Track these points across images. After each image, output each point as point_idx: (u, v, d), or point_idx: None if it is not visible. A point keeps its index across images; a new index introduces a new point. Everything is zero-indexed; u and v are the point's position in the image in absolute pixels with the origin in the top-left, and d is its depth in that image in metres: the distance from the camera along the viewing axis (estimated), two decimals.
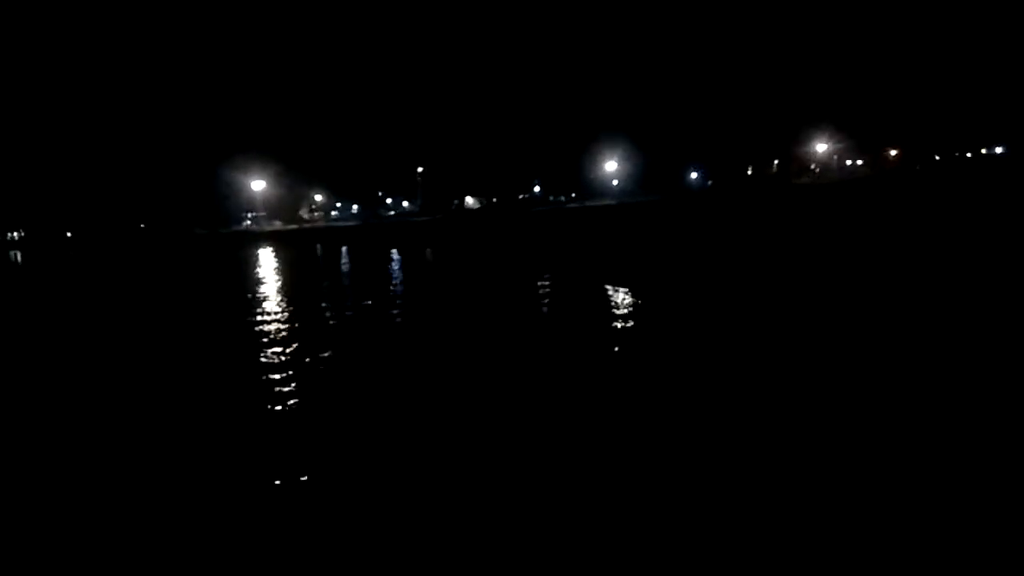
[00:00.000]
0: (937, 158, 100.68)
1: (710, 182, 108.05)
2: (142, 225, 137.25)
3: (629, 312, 14.27)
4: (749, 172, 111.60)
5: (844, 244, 23.26)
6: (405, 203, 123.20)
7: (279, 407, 8.95)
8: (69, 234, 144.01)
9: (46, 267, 57.41)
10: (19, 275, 50.36)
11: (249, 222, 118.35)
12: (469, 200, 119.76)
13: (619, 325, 12.87)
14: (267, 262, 42.43)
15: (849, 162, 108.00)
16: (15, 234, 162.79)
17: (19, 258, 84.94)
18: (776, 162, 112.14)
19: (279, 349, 12.90)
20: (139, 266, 49.45)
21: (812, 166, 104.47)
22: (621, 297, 15.98)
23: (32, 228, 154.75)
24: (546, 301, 17.45)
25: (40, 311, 24.63)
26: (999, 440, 5.88)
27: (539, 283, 20.11)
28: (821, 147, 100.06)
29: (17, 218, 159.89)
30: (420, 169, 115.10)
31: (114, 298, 27.51)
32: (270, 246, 65.12)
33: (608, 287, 17.36)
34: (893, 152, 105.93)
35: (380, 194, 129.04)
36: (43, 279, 43.81)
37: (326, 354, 12.22)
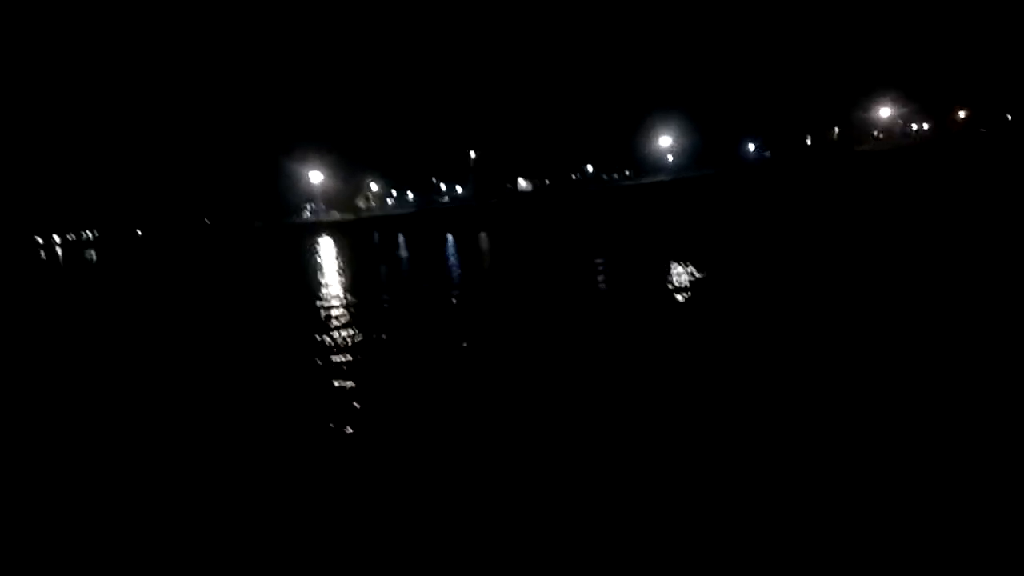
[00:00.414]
0: (1009, 117, 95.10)
1: (767, 153, 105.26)
2: (206, 220, 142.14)
3: (689, 289, 14.10)
4: (808, 141, 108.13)
5: (903, 213, 22.45)
6: (459, 188, 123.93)
7: (339, 382, 9.34)
8: (140, 232, 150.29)
9: (120, 264, 59.97)
10: (96, 271, 52.76)
11: (308, 213, 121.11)
12: (522, 183, 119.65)
13: (679, 302, 12.77)
14: (327, 251, 43.43)
15: (915, 126, 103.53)
16: (89, 234, 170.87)
17: (94, 256, 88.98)
18: (836, 130, 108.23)
19: (344, 333, 13.29)
20: (207, 259, 51.24)
21: (875, 132, 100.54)
22: (680, 274, 15.81)
23: (105, 227, 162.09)
24: (602, 280, 17.39)
25: (120, 305, 25.79)
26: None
27: (596, 262, 20.04)
28: (884, 111, 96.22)
29: (91, 218, 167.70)
30: (473, 154, 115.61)
31: (187, 289, 28.65)
32: (329, 236, 66.52)
33: (670, 263, 17.17)
34: (961, 114, 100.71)
35: (434, 181, 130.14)
36: (119, 275, 45.80)
37: (384, 336, 12.57)
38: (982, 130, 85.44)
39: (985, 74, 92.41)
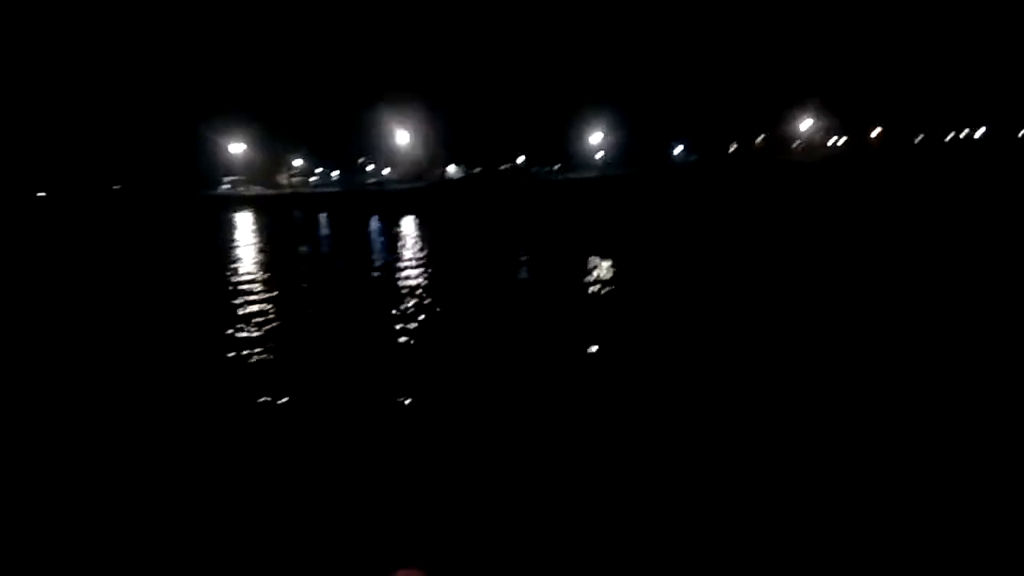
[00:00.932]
0: (917, 140, 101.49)
1: (694, 157, 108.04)
2: (115, 187, 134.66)
3: (609, 280, 14.21)
4: (733, 148, 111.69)
5: (817, 218, 23.42)
6: (386, 170, 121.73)
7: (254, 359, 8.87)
8: (41, 194, 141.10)
9: (13, 229, 56.07)
10: None
11: (228, 186, 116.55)
12: (451, 169, 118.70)
13: (598, 293, 12.82)
14: (245, 227, 41.84)
15: (832, 140, 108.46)
16: None
17: None
18: (761, 138, 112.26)
19: (258, 308, 12.74)
20: (115, 229, 48.50)
21: (796, 143, 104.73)
22: (603, 267, 15.92)
23: (2, 188, 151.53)
24: (525, 268, 17.35)
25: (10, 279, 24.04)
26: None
27: (520, 251, 19.99)
28: (805, 125, 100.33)
29: None
30: (403, 136, 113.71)
31: (95, 261, 26.96)
32: (248, 211, 64.17)
33: (591, 257, 17.28)
34: (875, 132, 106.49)
35: (361, 160, 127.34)
36: (17, 237, 42.80)
37: (301, 318, 12.11)
38: (892, 148, 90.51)
39: (897, 98, 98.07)
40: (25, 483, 5.78)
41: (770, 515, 4.62)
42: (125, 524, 5.00)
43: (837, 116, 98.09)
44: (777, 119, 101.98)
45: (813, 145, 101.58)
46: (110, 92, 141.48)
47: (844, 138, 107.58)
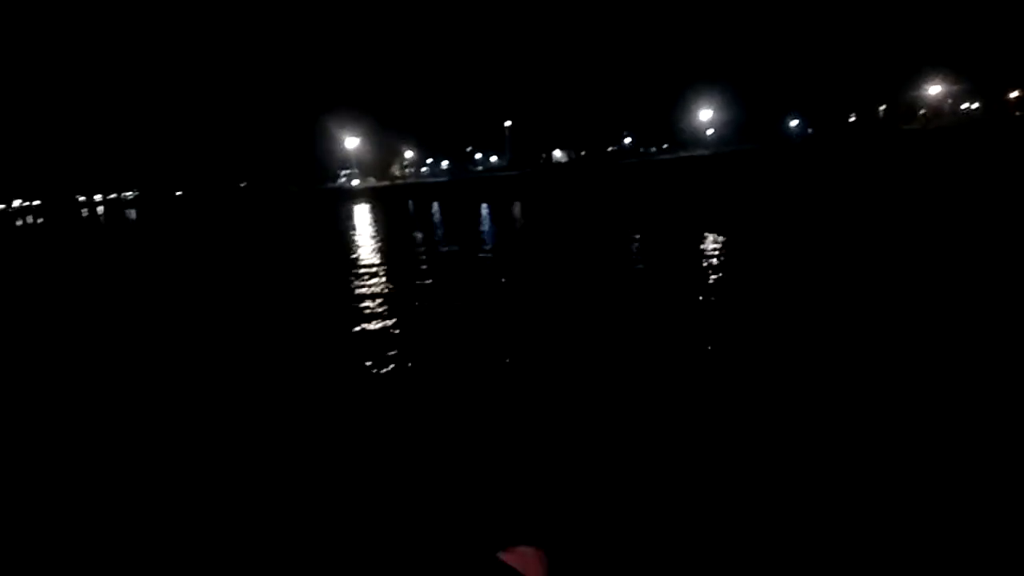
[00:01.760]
0: None
1: (810, 130, 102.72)
2: (242, 184, 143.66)
3: (723, 261, 13.97)
4: (852, 119, 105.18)
5: (947, 191, 21.84)
6: (494, 158, 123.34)
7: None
8: (178, 192, 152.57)
9: (159, 223, 61.05)
10: (136, 230, 53.79)
11: (343, 179, 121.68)
12: (557, 153, 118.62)
13: (712, 276, 12.66)
14: (364, 217, 43.73)
15: (964, 106, 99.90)
16: (129, 194, 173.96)
17: (134, 215, 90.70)
18: (883, 108, 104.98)
19: (377, 300, 13.48)
20: (244, 222, 51.88)
21: (921, 111, 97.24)
22: (718, 247, 15.65)
23: (144, 187, 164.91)
24: (637, 247, 17.29)
25: (159, 264, 26.35)
26: None
27: (632, 232, 19.91)
28: (933, 90, 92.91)
29: (130, 178, 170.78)
30: (508, 123, 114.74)
31: (224, 250, 29.13)
32: (365, 202, 66.87)
33: (707, 235, 17.00)
34: (1013, 94, 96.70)
35: (469, 149, 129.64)
36: (158, 235, 46.65)
37: (417, 303, 12.73)
38: None
39: None
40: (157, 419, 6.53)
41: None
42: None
43: (968, 79, 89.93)
44: (900, 85, 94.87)
45: (942, 112, 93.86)
46: (235, 94, 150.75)
47: (976, 103, 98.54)
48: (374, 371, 8.31)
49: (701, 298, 10.89)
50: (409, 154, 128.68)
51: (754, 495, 4.64)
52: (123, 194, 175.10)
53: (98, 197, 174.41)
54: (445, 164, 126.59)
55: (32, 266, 29.45)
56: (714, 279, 12.38)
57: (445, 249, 20.94)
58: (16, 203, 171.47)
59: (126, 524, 4.85)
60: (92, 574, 4.37)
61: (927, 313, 8.60)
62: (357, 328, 10.78)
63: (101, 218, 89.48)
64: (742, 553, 4.05)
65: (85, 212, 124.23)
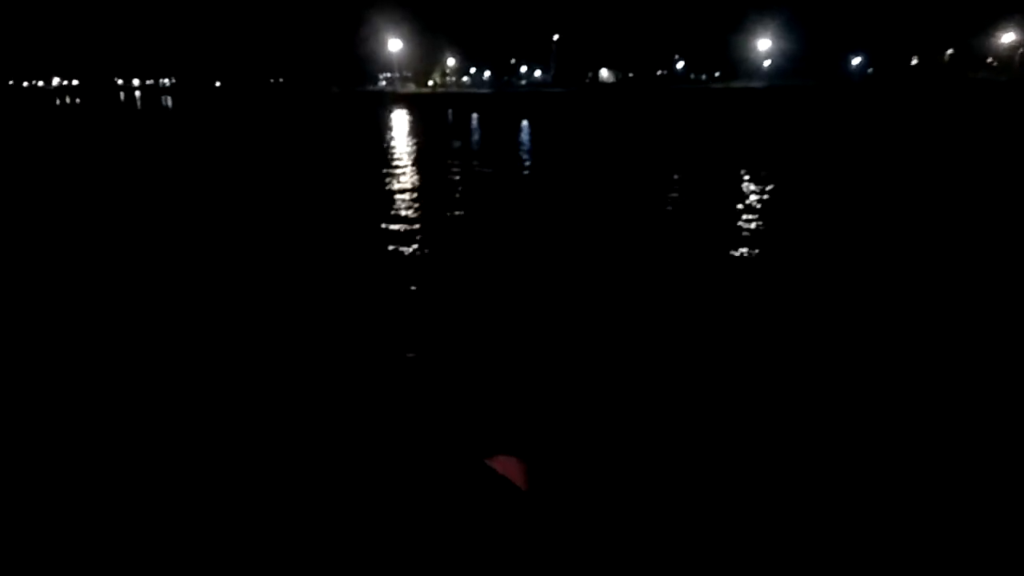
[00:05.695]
0: None
1: (871, 70, 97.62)
2: (281, 79, 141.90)
3: (763, 210, 13.08)
4: (915, 62, 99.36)
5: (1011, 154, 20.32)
6: (538, 72, 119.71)
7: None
8: (218, 84, 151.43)
9: (197, 112, 60.49)
10: (172, 118, 53.34)
11: (384, 83, 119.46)
12: (604, 73, 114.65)
13: (746, 228, 11.83)
14: (401, 123, 42.73)
15: None
16: (166, 81, 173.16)
17: (170, 103, 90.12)
18: (949, 52, 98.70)
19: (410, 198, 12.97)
20: (283, 117, 51.12)
21: (990, 60, 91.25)
22: (759, 196, 14.70)
23: (182, 75, 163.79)
24: (675, 191, 16.39)
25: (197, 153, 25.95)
26: None
27: (671, 172, 18.92)
28: (1006, 38, 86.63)
29: (168, 65, 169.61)
30: (556, 37, 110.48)
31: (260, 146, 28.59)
32: (403, 108, 65.44)
33: (749, 181, 16.03)
34: None
35: (513, 61, 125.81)
36: (194, 124, 46.17)
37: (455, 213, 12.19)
38: None
39: None
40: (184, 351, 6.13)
41: None
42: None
43: None
44: (969, 31, 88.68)
45: (1011, 62, 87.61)
46: None
47: None
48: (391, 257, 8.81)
49: (733, 253, 9.87)
50: (451, 62, 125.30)
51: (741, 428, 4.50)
52: (161, 80, 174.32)
53: (136, 82, 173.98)
54: (487, 75, 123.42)
55: (63, 144, 29.15)
56: (747, 232, 11.27)
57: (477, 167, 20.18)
58: (55, 81, 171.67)
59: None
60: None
61: (960, 292, 7.73)
62: (382, 224, 11.08)
63: (138, 103, 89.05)
64: (720, 480, 3.98)
65: (122, 96, 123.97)
